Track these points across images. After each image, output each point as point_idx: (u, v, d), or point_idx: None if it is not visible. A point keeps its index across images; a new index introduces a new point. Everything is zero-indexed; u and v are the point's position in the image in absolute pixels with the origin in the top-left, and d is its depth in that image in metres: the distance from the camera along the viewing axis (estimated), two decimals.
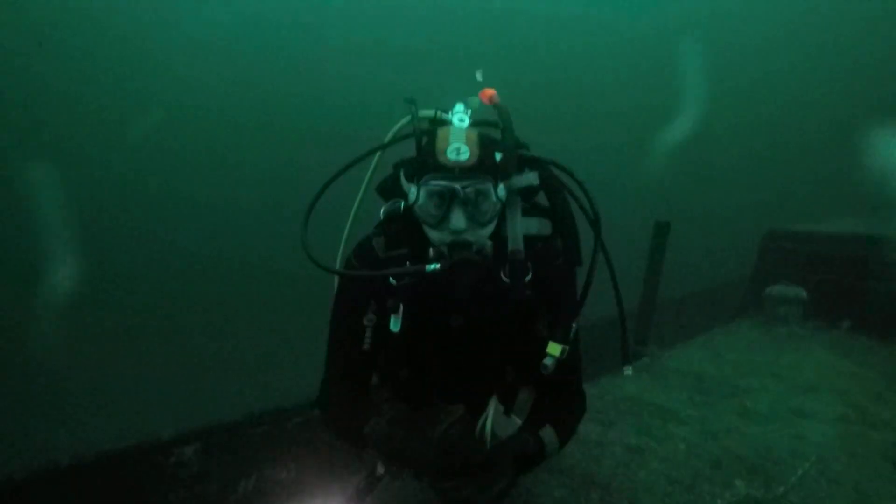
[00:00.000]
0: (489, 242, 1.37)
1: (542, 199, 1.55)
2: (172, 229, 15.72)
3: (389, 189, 1.51)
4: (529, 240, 1.44)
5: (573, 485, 2.02)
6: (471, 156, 1.28)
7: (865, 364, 3.48)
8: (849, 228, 4.81)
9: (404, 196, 1.42)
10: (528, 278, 1.39)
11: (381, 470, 1.43)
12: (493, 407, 1.59)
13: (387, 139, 1.59)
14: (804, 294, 4.27)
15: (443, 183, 1.28)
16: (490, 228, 1.36)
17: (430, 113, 1.55)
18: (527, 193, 1.49)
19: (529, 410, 1.58)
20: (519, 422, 1.61)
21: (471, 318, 1.43)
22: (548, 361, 1.35)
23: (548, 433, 1.42)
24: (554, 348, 1.35)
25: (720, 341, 4.05)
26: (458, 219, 1.28)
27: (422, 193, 1.31)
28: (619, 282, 1.57)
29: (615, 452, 2.30)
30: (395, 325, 1.38)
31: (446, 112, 1.50)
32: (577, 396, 1.60)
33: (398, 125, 1.59)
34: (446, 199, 1.29)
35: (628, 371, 1.61)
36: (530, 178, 1.46)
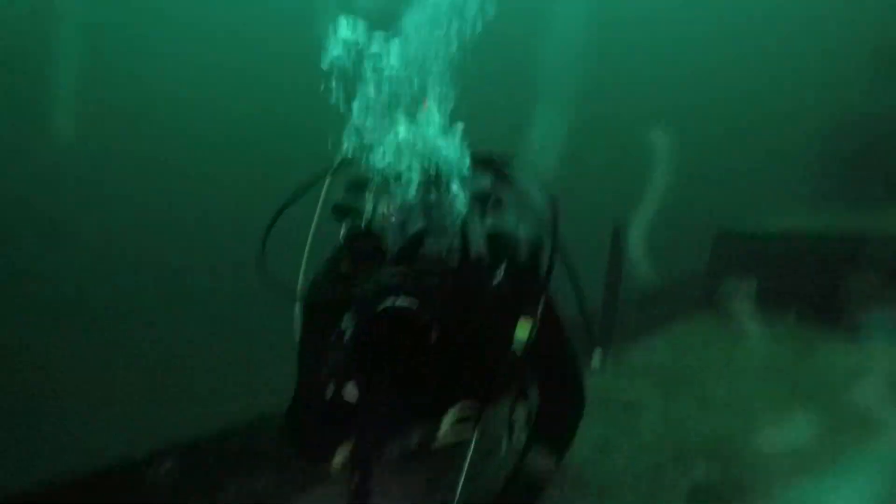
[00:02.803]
0: (454, 247, 1.38)
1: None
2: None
3: (344, 210, 1.53)
4: (497, 236, 1.48)
5: None
6: (422, 169, 1.31)
7: (811, 353, 3.74)
8: (795, 224, 5.12)
9: (360, 214, 1.44)
10: (498, 277, 1.42)
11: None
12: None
13: (337, 160, 1.61)
14: (754, 288, 4.53)
15: (397, 199, 1.30)
16: (451, 236, 1.38)
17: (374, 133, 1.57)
18: (484, 196, 1.54)
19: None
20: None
21: (447, 329, 1.46)
22: (518, 341, 1.40)
23: (533, 460, 1.51)
24: (522, 329, 1.40)
25: (681, 335, 4.27)
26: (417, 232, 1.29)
27: (377, 211, 1.35)
28: (580, 277, 1.65)
29: (583, 447, 2.43)
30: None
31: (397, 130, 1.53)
32: (574, 386, 1.65)
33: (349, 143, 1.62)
34: (403, 215, 1.31)
35: (596, 362, 1.70)
36: (482, 182, 1.51)
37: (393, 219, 1.33)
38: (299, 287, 1.61)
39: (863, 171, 6.98)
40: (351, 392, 1.32)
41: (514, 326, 1.46)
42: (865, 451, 2.41)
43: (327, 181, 1.61)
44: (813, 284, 4.49)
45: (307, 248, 1.69)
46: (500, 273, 1.43)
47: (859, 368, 3.40)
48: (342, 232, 1.53)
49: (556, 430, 1.66)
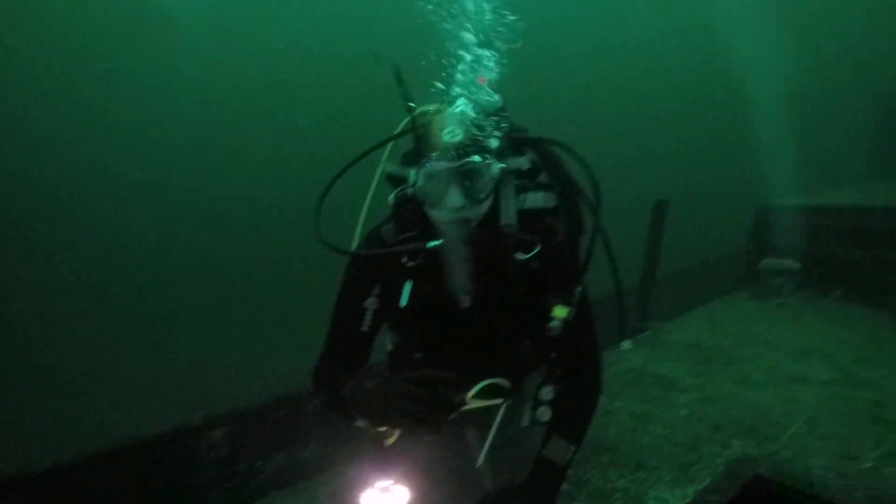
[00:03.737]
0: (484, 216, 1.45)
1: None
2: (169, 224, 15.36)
3: (397, 178, 1.60)
4: (535, 213, 1.52)
5: (583, 449, 2.19)
6: (465, 137, 1.37)
7: (855, 330, 3.66)
8: (841, 200, 4.96)
9: (407, 181, 1.51)
10: (534, 251, 1.47)
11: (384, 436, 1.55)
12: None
13: (395, 132, 1.69)
14: (797, 266, 4.43)
15: (438, 164, 1.39)
16: (487, 205, 1.45)
17: (432, 108, 1.63)
18: (527, 173, 1.58)
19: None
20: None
21: (479, 297, 1.53)
22: (554, 324, 1.49)
23: (554, 448, 1.58)
24: (560, 311, 1.48)
25: (718, 313, 4.23)
26: (454, 196, 1.38)
27: (421, 175, 1.42)
28: (618, 258, 1.68)
29: (621, 420, 2.48)
30: (404, 299, 1.50)
31: (451, 104, 1.58)
32: (593, 376, 1.72)
33: (407, 119, 1.63)
34: (443, 179, 1.39)
35: (627, 346, 1.75)
36: (521, 161, 1.56)
37: (432, 183, 1.40)
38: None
39: None
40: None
41: (545, 307, 1.52)
42: None
43: (389, 148, 1.67)
44: (857, 259, 4.37)
45: (362, 218, 1.75)
46: (531, 252, 1.47)
47: None
48: (390, 197, 1.61)
49: (573, 418, 1.70)
